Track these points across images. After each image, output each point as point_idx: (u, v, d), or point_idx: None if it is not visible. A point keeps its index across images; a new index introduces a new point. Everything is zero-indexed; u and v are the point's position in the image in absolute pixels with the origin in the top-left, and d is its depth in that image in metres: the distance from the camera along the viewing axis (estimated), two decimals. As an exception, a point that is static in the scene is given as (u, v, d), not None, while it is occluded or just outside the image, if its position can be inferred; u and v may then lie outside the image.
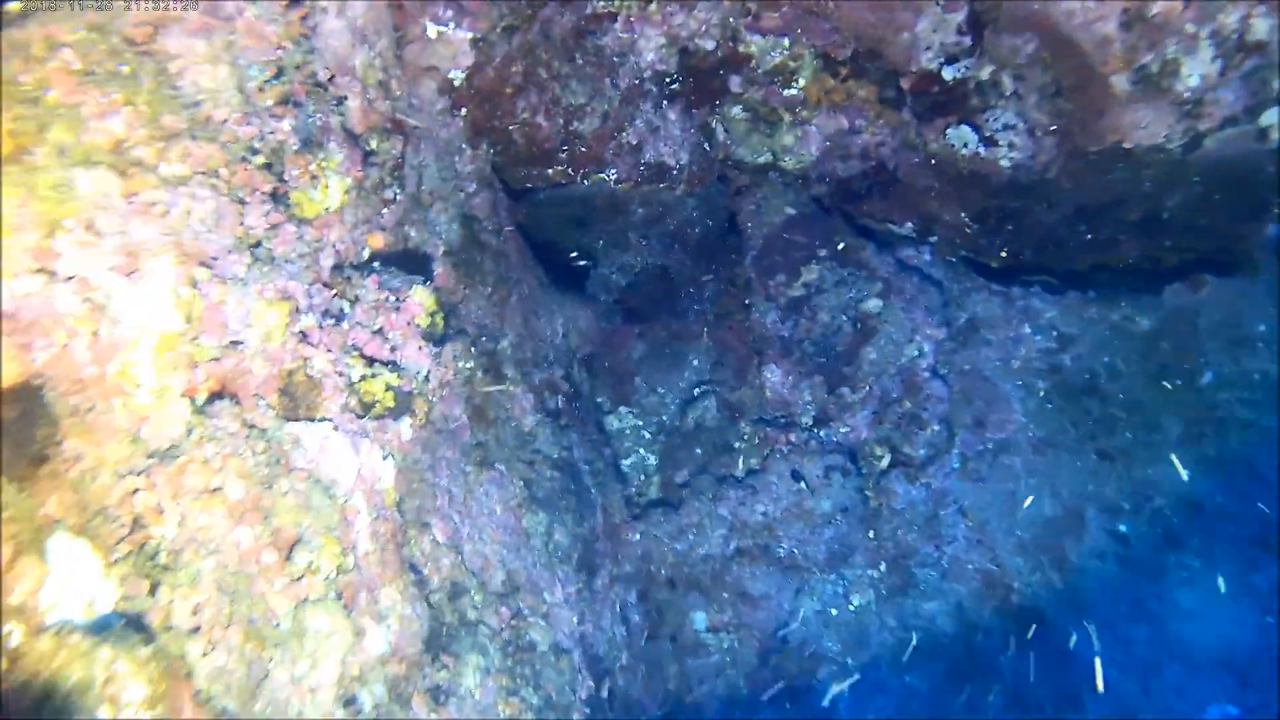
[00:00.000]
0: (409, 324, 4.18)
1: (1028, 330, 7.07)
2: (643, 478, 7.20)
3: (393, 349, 4.14)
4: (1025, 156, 6.06)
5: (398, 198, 4.62)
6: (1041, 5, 5.44)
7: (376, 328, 4.09)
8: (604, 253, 6.83)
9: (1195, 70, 5.28)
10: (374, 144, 4.47)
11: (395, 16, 5.03)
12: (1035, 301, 7.08)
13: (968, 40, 5.67)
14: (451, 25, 5.11)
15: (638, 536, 6.64)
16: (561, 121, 5.59)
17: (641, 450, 7.27)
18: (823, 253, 6.83)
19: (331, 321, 3.88)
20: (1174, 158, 5.68)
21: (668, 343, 7.32)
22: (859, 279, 6.87)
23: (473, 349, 5.31)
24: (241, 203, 3.57)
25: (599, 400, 7.46)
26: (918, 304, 6.82)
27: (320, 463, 3.67)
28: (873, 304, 6.77)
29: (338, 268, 4.04)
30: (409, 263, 4.65)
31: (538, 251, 6.99)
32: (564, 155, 5.76)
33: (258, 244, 3.66)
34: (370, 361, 4.01)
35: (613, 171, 5.93)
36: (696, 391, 7.33)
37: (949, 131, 6.05)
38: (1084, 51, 5.47)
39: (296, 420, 3.69)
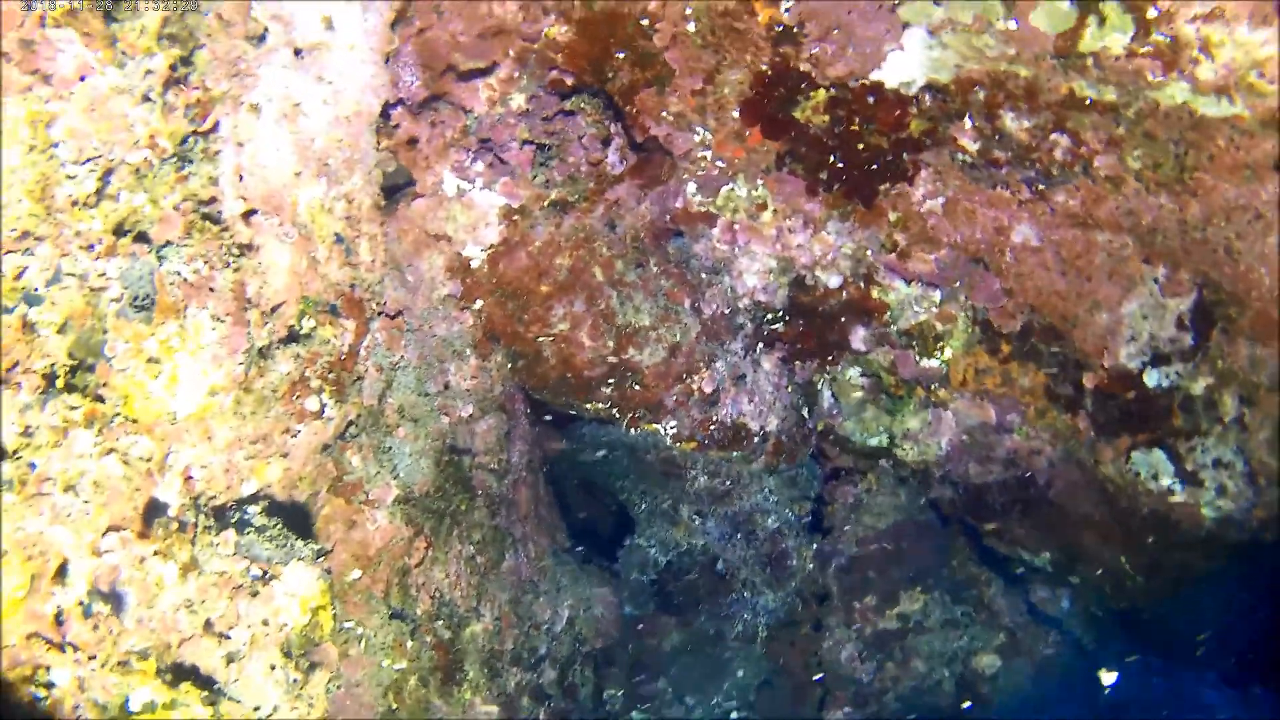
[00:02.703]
0: (267, 624, 2.53)
1: (1196, 734, 5.70)
2: (643, 819, 5.74)
3: (229, 660, 2.48)
4: (1238, 508, 4.65)
5: (328, 412, 3.03)
6: (1317, 307, 3.90)
7: (205, 621, 2.44)
8: (646, 521, 5.23)
9: None
10: (303, 325, 2.92)
11: (403, 154, 3.57)
12: (1209, 695, 5.63)
13: (1188, 339, 4.28)
14: (479, 183, 3.64)
15: None
16: (612, 345, 4.05)
17: (650, 778, 5.80)
18: (931, 579, 5.19)
19: (106, 610, 2.23)
20: None
21: (712, 639, 5.69)
22: (975, 624, 5.41)
23: (413, 637, 3.63)
24: (-24, 382, 1.99)
25: (607, 696, 5.85)
26: (1051, 671, 5.19)
27: None
28: (989, 662, 5.23)
29: (157, 510, 2.42)
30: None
31: (571, 498, 5.63)
32: (608, 391, 4.21)
33: None
34: (174, 679, 2.34)
35: (672, 424, 4.36)
36: (734, 716, 5.86)
37: (1135, 455, 4.67)
38: (1366, 383, 3.93)
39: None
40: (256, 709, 2.51)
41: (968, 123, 3.91)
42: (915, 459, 5.14)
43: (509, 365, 4.10)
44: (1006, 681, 5.24)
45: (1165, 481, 4.61)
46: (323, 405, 3.06)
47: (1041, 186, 4.05)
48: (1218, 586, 5.03)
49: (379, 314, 3.46)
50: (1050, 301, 4.33)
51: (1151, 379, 4.40)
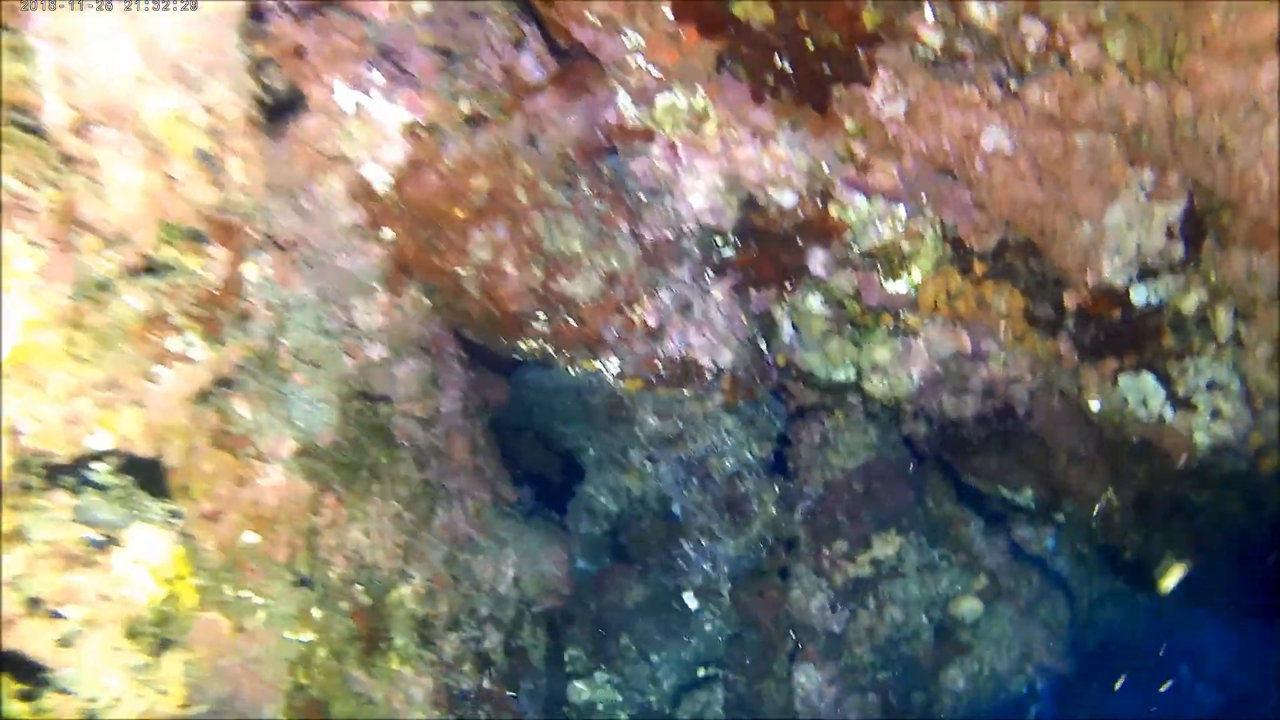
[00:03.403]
0: (107, 599, 2.15)
1: (1186, 672, 5.58)
2: (608, 775, 5.48)
3: (61, 644, 2.10)
4: (1233, 433, 4.41)
5: (196, 353, 2.64)
6: (1319, 212, 3.55)
7: (30, 598, 2.07)
8: (595, 468, 4.89)
9: None
10: (162, 254, 2.52)
11: (289, 65, 3.15)
12: (1201, 634, 5.57)
13: (1178, 250, 3.99)
14: (378, 96, 3.22)
15: None
16: (540, 274, 3.67)
17: (613, 739, 5.57)
18: (906, 520, 4.86)
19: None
20: None
21: (676, 593, 5.39)
22: (954, 567, 5.15)
23: (322, 605, 3.28)
24: None
25: (570, 657, 5.57)
26: (1035, 617, 5.02)
27: None
28: (969, 607, 5.07)
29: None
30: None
31: (520, 449, 5.32)
32: (540, 326, 3.82)
33: None
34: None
35: (614, 361, 4.00)
36: (701, 672, 5.59)
37: (1122, 379, 4.41)
38: (1375, 293, 3.60)
39: None
40: (93, 700, 2.13)
41: (928, 12, 3.52)
42: (885, 393, 4.87)
43: (426, 300, 3.70)
44: (988, 627, 4.96)
45: (1154, 407, 4.36)
46: (188, 345, 2.67)
47: (1013, 83, 3.67)
48: (1212, 519, 4.77)
49: (267, 245, 3.07)
50: (1026, 214, 3.99)
51: (1139, 296, 4.10)
